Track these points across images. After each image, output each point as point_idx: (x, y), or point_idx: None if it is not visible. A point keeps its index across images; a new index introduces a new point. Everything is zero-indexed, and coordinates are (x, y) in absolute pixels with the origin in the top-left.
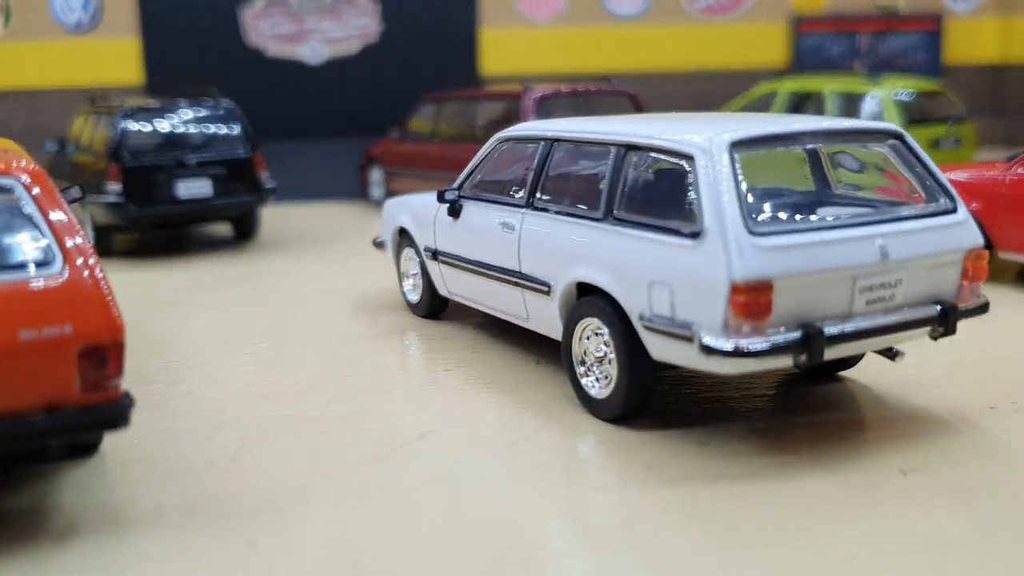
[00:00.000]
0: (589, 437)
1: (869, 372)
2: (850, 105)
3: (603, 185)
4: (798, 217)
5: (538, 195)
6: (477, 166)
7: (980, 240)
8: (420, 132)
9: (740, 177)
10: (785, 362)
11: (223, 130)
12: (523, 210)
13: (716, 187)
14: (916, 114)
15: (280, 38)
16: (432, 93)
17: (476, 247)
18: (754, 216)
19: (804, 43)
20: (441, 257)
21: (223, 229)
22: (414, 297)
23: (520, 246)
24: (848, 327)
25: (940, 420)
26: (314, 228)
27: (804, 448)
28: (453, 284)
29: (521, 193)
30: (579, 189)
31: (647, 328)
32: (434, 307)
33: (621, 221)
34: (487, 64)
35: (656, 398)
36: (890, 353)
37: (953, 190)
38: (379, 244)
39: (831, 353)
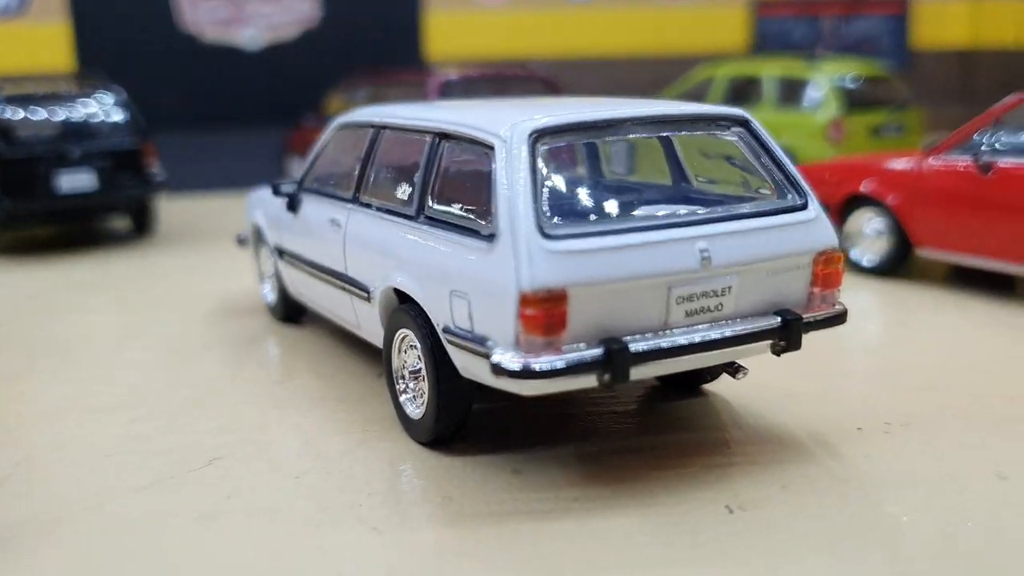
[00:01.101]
0: (395, 464)
1: (739, 384)
2: (790, 90)
3: (417, 179)
4: (605, 217)
5: (363, 189)
6: (316, 156)
7: (832, 241)
8: (321, 118)
9: (542, 171)
10: (589, 382)
11: (110, 119)
12: (349, 206)
13: (511, 182)
14: (859, 100)
15: (217, 23)
16: (348, 78)
17: (310, 246)
18: (552, 216)
19: (765, 27)
20: (285, 256)
21: (121, 224)
22: (272, 300)
23: (345, 246)
24: (662, 342)
25: (796, 444)
26: (222, 222)
27: (629, 477)
28: (296, 286)
29: (349, 187)
30: (397, 183)
31: (450, 343)
32: (290, 311)
33: (431, 220)
34: (435, 48)
35: (483, 417)
36: (731, 369)
37: (804, 184)
38: (242, 241)
39: (642, 372)
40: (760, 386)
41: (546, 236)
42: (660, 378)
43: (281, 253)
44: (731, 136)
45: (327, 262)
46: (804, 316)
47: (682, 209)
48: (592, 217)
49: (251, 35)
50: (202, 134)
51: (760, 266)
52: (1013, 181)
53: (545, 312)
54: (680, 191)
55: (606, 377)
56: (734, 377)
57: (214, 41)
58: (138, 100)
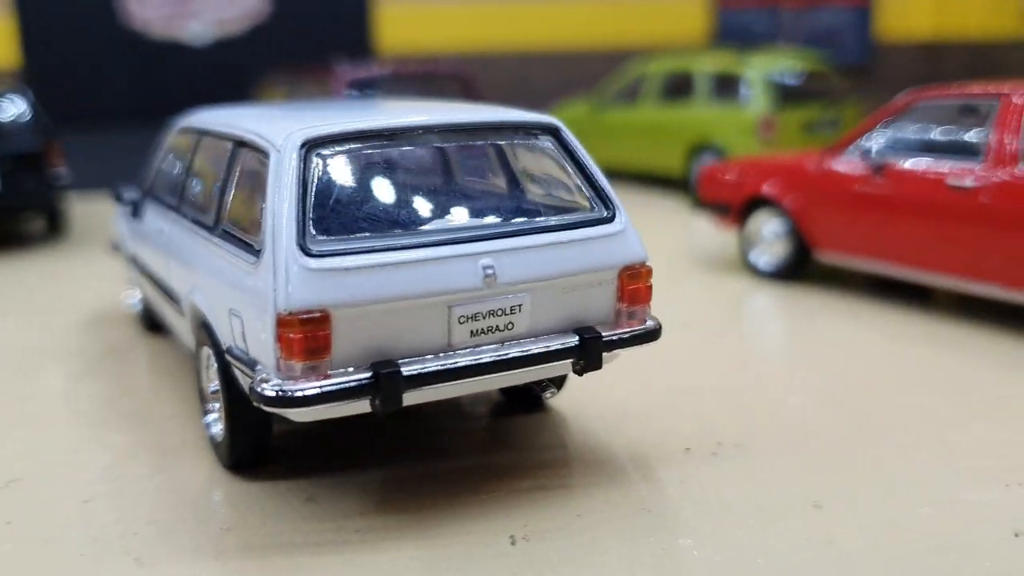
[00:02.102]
0: (190, 490)
1: (584, 399)
2: (723, 86)
3: (215, 189)
4: (381, 232)
5: (182, 198)
6: (157, 161)
7: (639, 255)
8: None
9: (317, 182)
10: (363, 407)
11: (10, 120)
12: (173, 215)
13: (278, 194)
14: (792, 94)
15: (164, 18)
16: (275, 69)
17: (149, 255)
18: (319, 232)
19: (726, 19)
20: (136, 265)
21: (35, 226)
22: (139, 308)
23: (167, 256)
24: (441, 365)
25: (615, 466)
26: None
27: (426, 505)
28: (147, 296)
29: (174, 195)
30: (205, 192)
31: (233, 364)
32: (155, 320)
33: (224, 233)
34: (386, 41)
35: (298, 438)
36: (540, 387)
37: (613, 196)
38: (116, 248)
39: (421, 397)
40: (606, 400)
41: (307, 253)
42: (502, 391)
43: (135, 261)
44: (540, 145)
45: (159, 273)
46: (604, 334)
47: (469, 223)
48: (366, 232)
49: (198, 30)
50: (151, 131)
51: (555, 283)
52: (904, 182)
53: (305, 335)
54: (477, 203)
55: (377, 403)
56: (542, 396)
57: (161, 37)
58: (85, 97)
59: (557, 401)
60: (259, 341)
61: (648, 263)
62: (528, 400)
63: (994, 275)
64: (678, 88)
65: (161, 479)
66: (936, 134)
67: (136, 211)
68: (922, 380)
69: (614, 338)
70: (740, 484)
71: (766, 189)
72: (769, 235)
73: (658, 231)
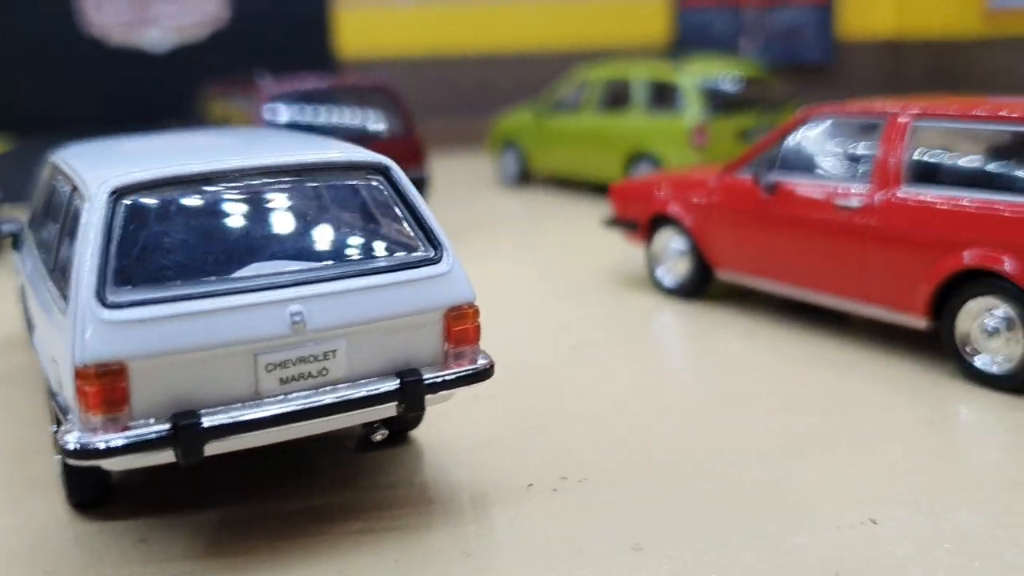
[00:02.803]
0: (29, 530)
1: (448, 429)
2: (658, 94)
3: (56, 230)
4: (185, 281)
5: (40, 235)
6: (37, 193)
7: (465, 296)
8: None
9: (121, 230)
10: (168, 457)
11: None
12: (36, 251)
13: (84, 242)
14: (728, 102)
15: (123, 25)
16: (214, 83)
17: (26, 288)
18: (120, 282)
19: (687, 19)
20: (22, 295)
21: None
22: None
23: (30, 292)
24: (245, 414)
25: (453, 504)
26: None
27: (248, 549)
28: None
29: (36, 231)
30: (51, 233)
31: (55, 410)
32: None
33: (56, 278)
34: (346, 47)
35: (148, 476)
36: (369, 429)
37: (440, 236)
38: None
39: (227, 446)
40: (469, 430)
41: (105, 304)
42: (363, 425)
43: (22, 292)
44: (369, 184)
45: (28, 306)
46: (426, 377)
47: (280, 269)
48: (172, 281)
49: (157, 37)
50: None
51: (372, 327)
52: (795, 201)
53: (101, 387)
54: (292, 248)
55: (179, 454)
56: (371, 438)
57: (120, 44)
58: (43, 104)
59: (419, 433)
60: (67, 391)
61: (474, 303)
62: (390, 433)
63: (879, 297)
64: (616, 96)
65: (10, 516)
66: (827, 153)
67: (16, 243)
68: (798, 405)
69: (437, 380)
70: (569, 523)
71: (669, 207)
72: (673, 253)
73: (581, 244)
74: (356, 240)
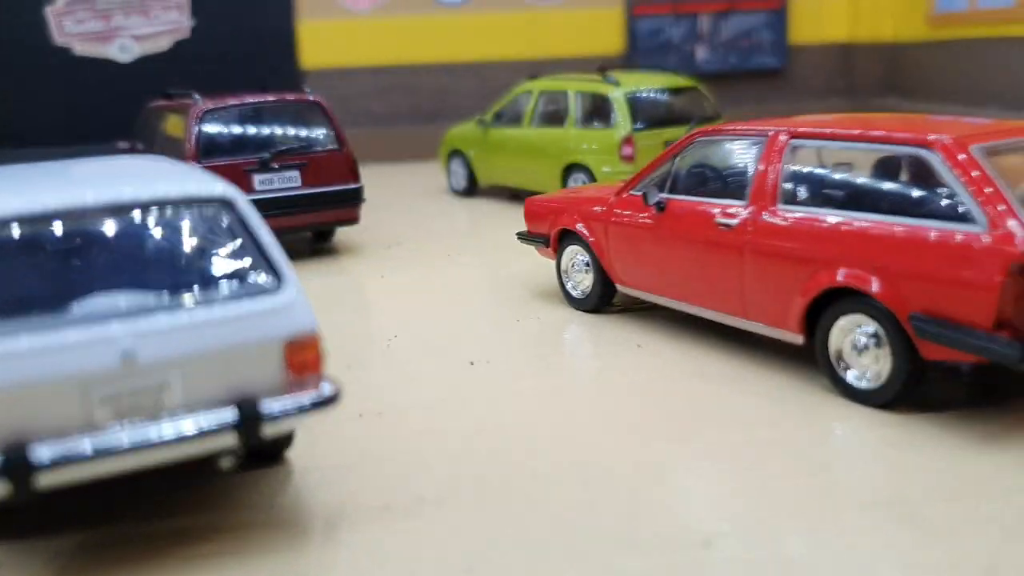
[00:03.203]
0: None
1: (322, 449)
2: (592, 107)
3: None
4: (16, 317)
5: None
6: None
7: (305, 326)
8: (135, 144)
9: None
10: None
11: None
12: None
13: None
14: (657, 115)
15: (86, 36)
16: (155, 99)
17: None
18: None
19: (641, 27)
20: None
21: None
22: None
23: None
24: (77, 449)
25: (305, 528)
26: None
27: (104, 572)
28: None
29: None
30: None
31: None
32: None
33: None
34: (307, 58)
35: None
36: (218, 457)
37: (283, 267)
38: None
39: (60, 479)
40: (341, 452)
41: None
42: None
43: None
44: (211, 216)
45: None
46: (265, 408)
47: (112, 303)
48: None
49: (122, 47)
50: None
51: (208, 358)
52: (681, 219)
53: None
54: (127, 282)
55: (8, 490)
56: (220, 466)
57: (84, 54)
58: (7, 114)
59: (296, 452)
60: None
61: (315, 333)
62: (262, 453)
63: (758, 314)
64: (554, 109)
65: None
66: (712, 172)
67: None
68: (670, 422)
69: (276, 411)
70: (410, 547)
71: (573, 223)
72: (579, 267)
73: (507, 256)
74: (193, 272)
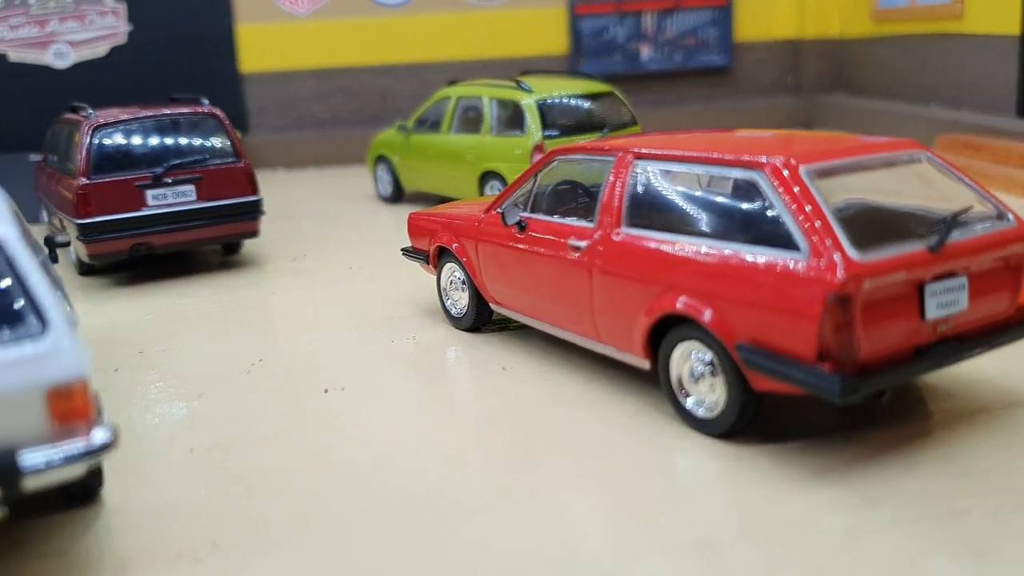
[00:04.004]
0: None
1: (145, 490)
2: (506, 114)
3: None
4: None
5: None
6: None
7: (72, 372)
8: (47, 157)
9: None
10: None
11: None
12: None
13: None
14: (570, 121)
15: (21, 42)
16: (59, 116)
17: None
18: None
19: (585, 27)
20: None
21: None
22: None
23: None
24: None
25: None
26: None
27: None
28: None
29: None
30: None
31: None
32: None
33: None
34: (247, 62)
35: None
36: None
37: (49, 311)
38: None
39: None
40: (157, 492)
41: None
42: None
43: None
44: None
45: None
46: (20, 460)
47: None
48: None
49: (57, 53)
50: (5, 158)
51: None
52: (538, 241)
53: None
54: None
55: None
56: None
57: (19, 60)
58: None
59: (110, 492)
60: None
61: (83, 379)
62: (74, 495)
63: (608, 337)
64: (470, 116)
65: None
66: (569, 191)
67: None
68: (516, 450)
69: (40, 463)
70: None
71: (448, 240)
72: (457, 285)
73: (407, 270)
74: None
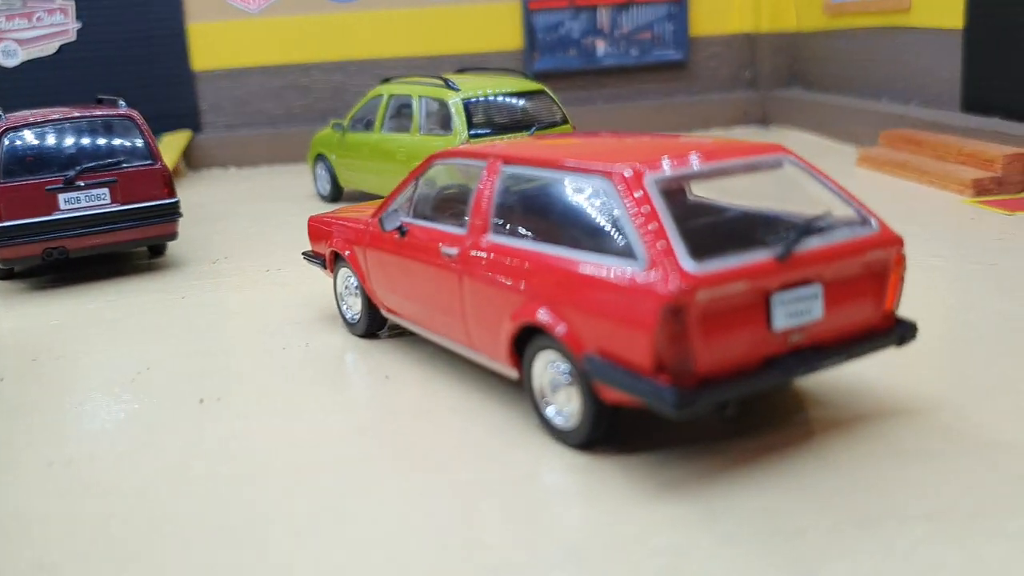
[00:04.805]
0: None
1: None
2: (435, 112)
3: None
4: None
5: None
6: None
7: None
8: None
9: None
10: None
11: None
12: None
13: None
14: (497, 120)
15: None
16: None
17: None
18: None
19: (539, 22)
20: None
21: None
22: None
23: None
24: None
25: None
26: None
27: None
28: None
29: None
30: None
31: None
32: None
33: None
34: (199, 60)
35: None
36: None
37: None
38: None
39: None
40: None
41: None
42: None
43: None
44: None
45: None
46: None
47: None
48: None
49: (5, 51)
50: None
51: None
52: (415, 247)
53: None
54: None
55: None
56: None
57: None
58: None
59: None
60: None
61: None
62: None
63: (480, 345)
64: (403, 114)
65: None
66: (445, 198)
67: None
68: (387, 463)
69: None
70: None
71: (339, 245)
72: (352, 290)
73: (309, 277)
74: None
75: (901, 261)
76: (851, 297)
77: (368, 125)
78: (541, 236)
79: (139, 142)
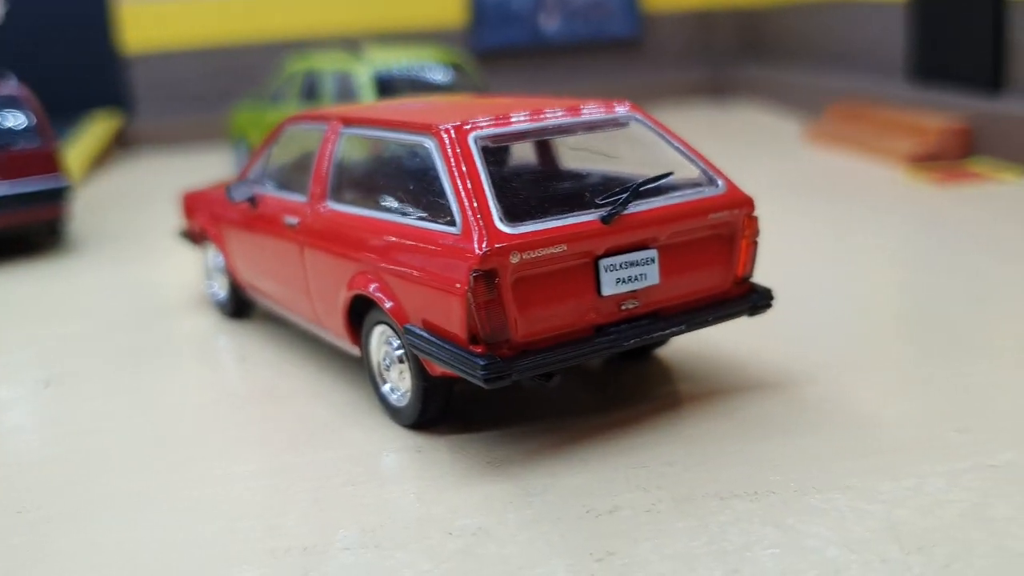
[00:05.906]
0: None
1: None
2: (344, 86)
3: None
4: None
5: None
6: None
7: None
8: None
9: None
10: None
11: None
12: None
13: None
14: (408, 94)
15: None
16: None
17: None
18: None
19: None
20: None
21: None
22: None
23: None
24: None
25: None
26: None
27: None
28: None
29: None
30: None
31: None
32: None
33: None
34: (132, 43)
35: None
36: None
37: None
38: None
39: None
40: None
41: None
42: None
43: None
44: None
45: None
46: None
47: None
48: None
49: None
50: None
51: None
52: (263, 217)
53: None
54: None
55: None
56: None
57: None
58: None
59: None
60: None
61: None
62: None
63: (325, 321)
64: (312, 88)
65: None
66: (295, 163)
67: None
68: (213, 448)
69: None
70: None
71: (203, 221)
72: (220, 268)
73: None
74: None
75: (752, 224)
76: (693, 262)
77: (279, 101)
78: (376, 202)
79: (26, 120)
